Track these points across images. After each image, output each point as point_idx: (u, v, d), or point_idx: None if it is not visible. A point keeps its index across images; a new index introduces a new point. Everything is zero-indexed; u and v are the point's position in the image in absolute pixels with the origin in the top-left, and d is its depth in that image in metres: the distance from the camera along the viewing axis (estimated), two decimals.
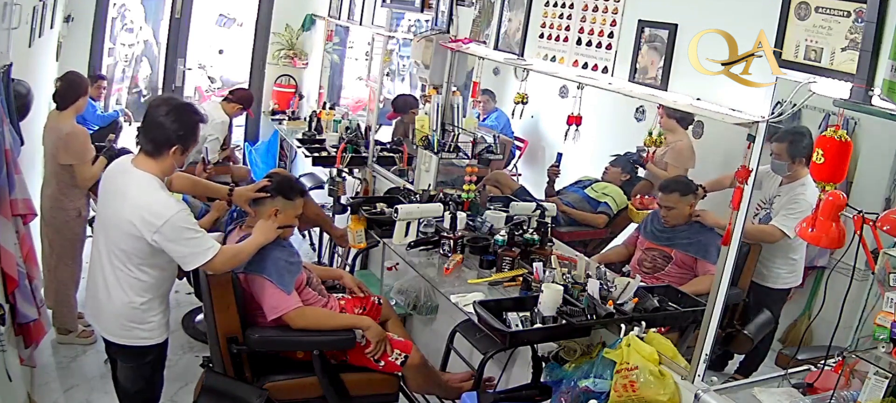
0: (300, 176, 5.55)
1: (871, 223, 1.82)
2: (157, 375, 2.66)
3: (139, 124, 2.47)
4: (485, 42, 3.44)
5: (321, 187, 5.17)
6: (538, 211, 3.32)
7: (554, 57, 3.00)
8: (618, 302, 2.43)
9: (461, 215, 3.29)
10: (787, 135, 2.56)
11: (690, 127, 3.07)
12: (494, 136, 3.80)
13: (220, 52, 8.30)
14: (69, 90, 3.54)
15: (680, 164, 3.12)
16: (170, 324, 2.60)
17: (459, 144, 3.54)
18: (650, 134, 2.97)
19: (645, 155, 3.31)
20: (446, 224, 3.26)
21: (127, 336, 2.48)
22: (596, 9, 2.79)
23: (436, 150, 3.63)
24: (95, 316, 2.57)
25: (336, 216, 4.38)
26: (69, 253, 3.65)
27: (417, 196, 3.60)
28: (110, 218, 2.41)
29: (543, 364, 2.64)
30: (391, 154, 4.50)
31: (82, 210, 3.64)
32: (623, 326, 2.33)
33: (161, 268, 2.46)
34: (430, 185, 3.75)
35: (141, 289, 2.43)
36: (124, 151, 4.04)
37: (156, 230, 2.30)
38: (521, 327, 2.40)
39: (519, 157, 4.23)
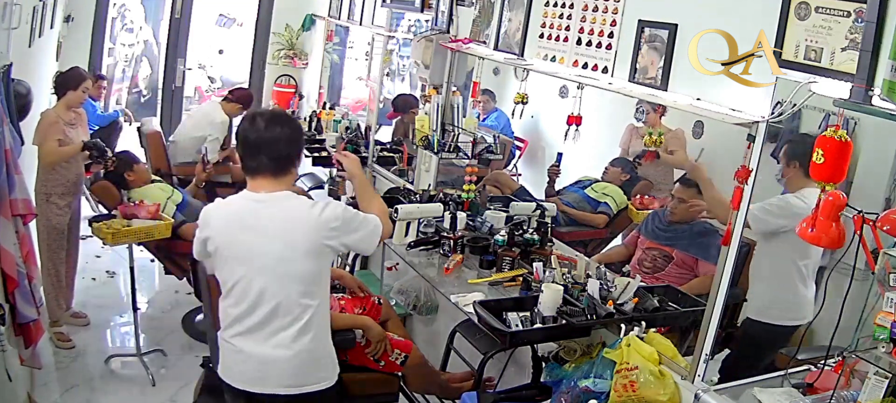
0: (300, 176, 5.55)
1: (871, 223, 1.82)
2: None
3: (242, 146, 2.16)
4: (485, 42, 3.44)
5: (321, 187, 5.17)
6: (538, 212, 3.32)
7: (554, 57, 3.00)
8: (618, 302, 2.43)
9: (461, 215, 3.29)
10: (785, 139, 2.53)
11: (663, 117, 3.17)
12: (494, 136, 3.80)
13: (220, 52, 8.31)
14: (60, 84, 3.66)
15: (680, 146, 3.13)
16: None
17: (459, 144, 3.54)
18: (650, 134, 2.97)
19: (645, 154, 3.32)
20: (446, 224, 3.26)
21: (309, 381, 2.20)
22: (596, 9, 2.79)
23: (436, 150, 3.63)
24: (262, 379, 2.17)
25: None
26: (41, 239, 3.62)
27: (417, 196, 3.60)
28: (283, 258, 2.11)
29: (543, 364, 2.64)
30: (391, 154, 4.50)
31: (52, 196, 3.61)
32: (623, 326, 2.33)
33: (324, 286, 2.26)
34: (430, 185, 3.75)
35: (314, 320, 2.20)
36: (125, 153, 4.07)
37: (334, 228, 2.12)
38: (521, 327, 2.40)
39: (519, 157, 4.23)
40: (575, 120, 2.92)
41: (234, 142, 5.65)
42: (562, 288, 2.48)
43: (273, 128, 2.12)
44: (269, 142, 2.11)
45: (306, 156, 4.90)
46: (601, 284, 2.49)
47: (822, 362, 2.01)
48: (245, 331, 2.16)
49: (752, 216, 2.57)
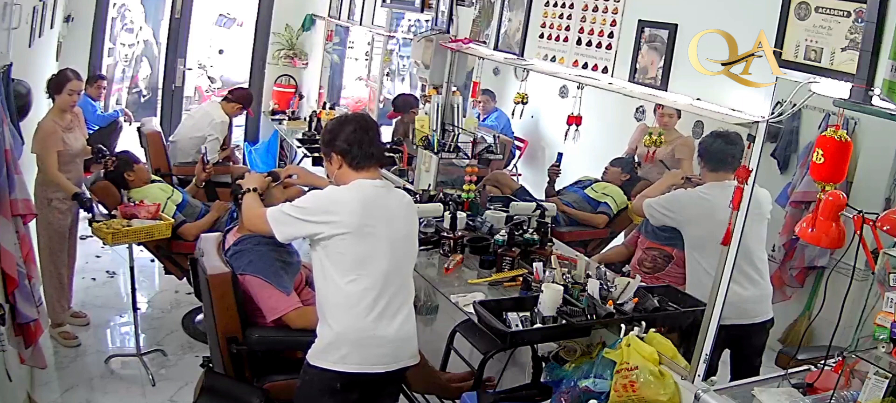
0: None
1: (871, 223, 1.82)
2: None
3: (362, 133, 2.31)
4: (485, 42, 3.44)
5: (321, 187, 5.16)
6: (538, 212, 3.31)
7: (554, 57, 3.00)
8: (618, 302, 2.43)
9: (461, 215, 3.29)
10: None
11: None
12: (494, 136, 3.81)
13: (220, 52, 8.32)
14: (49, 88, 3.66)
15: (689, 156, 3.17)
16: None
17: (459, 144, 3.54)
18: (650, 134, 2.97)
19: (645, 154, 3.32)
20: (446, 224, 3.26)
21: (416, 352, 2.40)
22: (596, 9, 2.79)
23: (436, 150, 3.63)
24: (396, 355, 2.32)
25: None
26: (43, 242, 3.62)
27: (417, 196, 3.60)
28: (407, 238, 2.36)
29: (543, 364, 2.64)
30: (391, 154, 4.49)
31: (54, 201, 3.60)
32: (623, 326, 2.33)
33: None
34: (430, 185, 3.75)
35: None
36: (126, 153, 4.07)
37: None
38: (521, 327, 2.39)
39: (519, 157, 4.23)
40: (575, 120, 2.92)
41: (234, 142, 5.68)
42: (562, 288, 2.48)
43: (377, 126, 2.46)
44: (380, 136, 2.40)
45: (306, 156, 4.90)
46: (601, 284, 2.49)
47: (822, 362, 2.01)
48: (380, 312, 2.26)
49: (646, 208, 2.88)
